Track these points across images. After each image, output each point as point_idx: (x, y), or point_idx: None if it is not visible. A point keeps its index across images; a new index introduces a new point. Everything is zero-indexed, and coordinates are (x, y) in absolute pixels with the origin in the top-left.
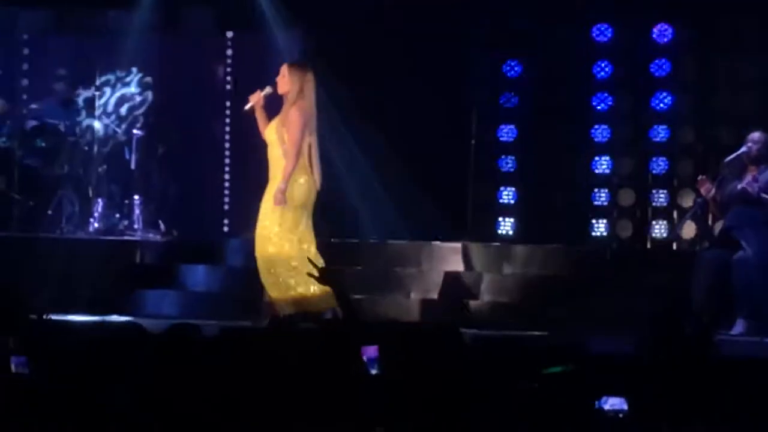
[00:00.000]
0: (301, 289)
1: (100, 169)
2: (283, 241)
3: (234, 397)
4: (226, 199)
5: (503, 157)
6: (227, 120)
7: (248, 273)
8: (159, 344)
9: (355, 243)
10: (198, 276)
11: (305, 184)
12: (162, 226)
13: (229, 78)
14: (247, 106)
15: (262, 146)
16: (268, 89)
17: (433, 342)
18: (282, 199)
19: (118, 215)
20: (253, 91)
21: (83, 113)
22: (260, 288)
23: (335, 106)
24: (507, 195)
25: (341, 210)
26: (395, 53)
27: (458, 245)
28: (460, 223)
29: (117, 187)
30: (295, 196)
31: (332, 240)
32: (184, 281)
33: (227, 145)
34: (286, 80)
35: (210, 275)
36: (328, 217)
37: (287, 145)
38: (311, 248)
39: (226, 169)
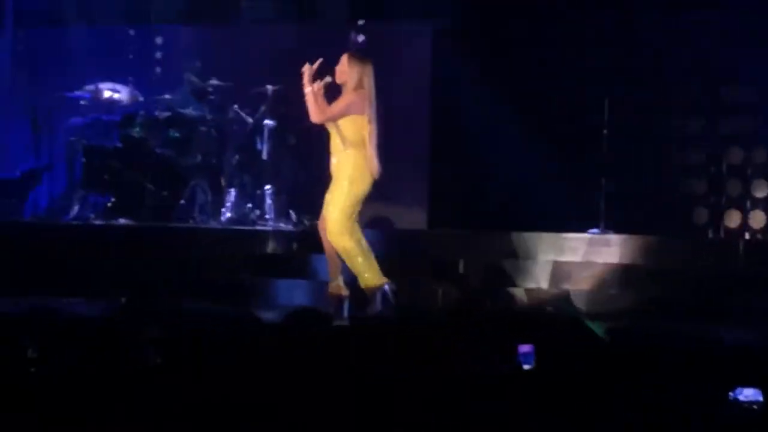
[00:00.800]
0: (359, 280)
1: (232, 159)
2: (349, 231)
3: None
4: None
5: None
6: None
7: (379, 263)
8: (280, 329)
9: (478, 232)
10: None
11: (363, 176)
12: (293, 216)
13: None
14: (307, 94)
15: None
16: (327, 78)
17: (564, 334)
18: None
19: (249, 205)
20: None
21: (215, 103)
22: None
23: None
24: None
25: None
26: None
27: (585, 236)
28: (590, 214)
29: (249, 177)
30: (358, 187)
31: (459, 231)
32: (315, 271)
33: None
34: (345, 70)
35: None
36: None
37: (342, 130)
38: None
39: None
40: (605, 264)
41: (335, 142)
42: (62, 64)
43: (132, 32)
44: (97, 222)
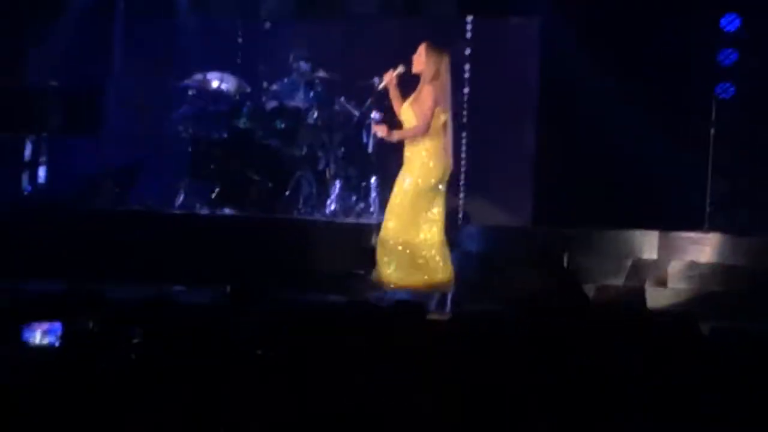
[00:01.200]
0: (426, 276)
1: (337, 151)
2: (416, 225)
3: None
4: (461, 185)
5: None
6: (464, 106)
7: (481, 258)
8: (385, 318)
9: (587, 230)
10: None
11: (434, 169)
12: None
13: (468, 64)
14: (381, 85)
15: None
16: (401, 68)
17: (671, 332)
18: (387, 132)
19: (354, 197)
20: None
21: (322, 95)
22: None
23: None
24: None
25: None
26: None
27: (690, 235)
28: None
29: (354, 170)
30: (427, 179)
31: (563, 228)
32: None
33: (463, 133)
34: (422, 60)
35: None
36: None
37: (418, 120)
38: (440, 232)
39: (462, 154)
40: (709, 263)
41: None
42: (170, 53)
43: (240, 23)
44: (203, 212)
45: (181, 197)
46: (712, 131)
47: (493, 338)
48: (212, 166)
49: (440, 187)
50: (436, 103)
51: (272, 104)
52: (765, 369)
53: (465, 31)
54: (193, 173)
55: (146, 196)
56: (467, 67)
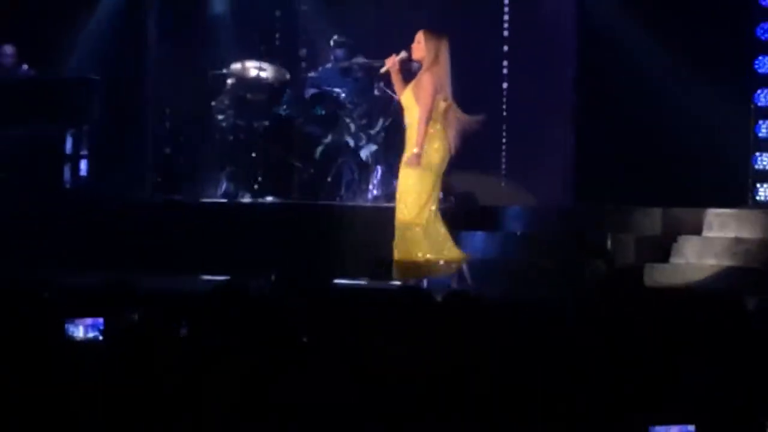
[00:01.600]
0: (430, 255)
1: (378, 137)
2: (420, 206)
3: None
4: (503, 166)
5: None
6: (504, 87)
7: (524, 239)
8: (435, 307)
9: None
10: (476, 243)
11: (439, 150)
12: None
13: (506, 46)
14: (383, 70)
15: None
16: (403, 54)
17: (717, 309)
18: (416, 161)
19: (395, 183)
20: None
21: (361, 81)
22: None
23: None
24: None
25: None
26: None
27: (733, 211)
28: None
29: (394, 156)
30: (432, 161)
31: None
32: (462, 248)
33: (504, 113)
34: (421, 46)
35: (488, 242)
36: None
37: (420, 109)
38: (437, 212)
39: (503, 135)
40: (753, 239)
41: (410, 118)
42: (209, 41)
43: (278, 11)
44: (245, 200)
45: (224, 186)
46: (752, 107)
47: (547, 325)
48: (253, 155)
49: (441, 169)
50: (436, 90)
51: (312, 90)
52: None
53: (503, 12)
54: (234, 162)
55: (188, 187)
56: (504, 46)
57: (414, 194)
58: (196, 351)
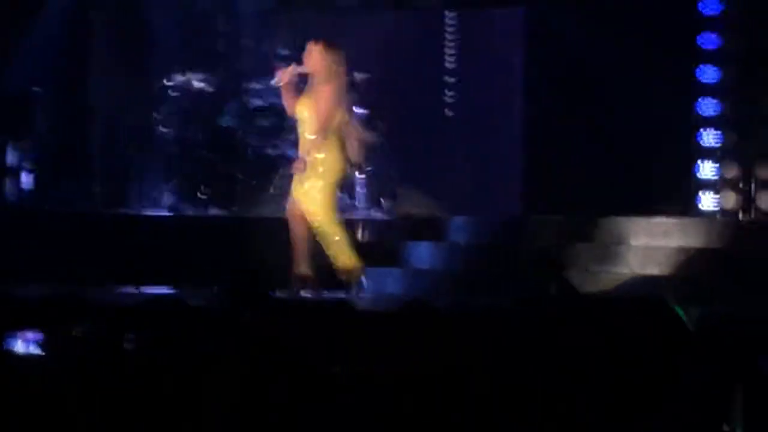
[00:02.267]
0: (339, 263)
1: None
2: (323, 215)
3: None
4: (449, 176)
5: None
6: (450, 95)
7: (471, 250)
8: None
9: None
10: (421, 253)
11: (339, 161)
12: (384, 204)
13: (447, 57)
14: (275, 81)
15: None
16: (297, 67)
17: (643, 316)
18: (302, 167)
19: (341, 193)
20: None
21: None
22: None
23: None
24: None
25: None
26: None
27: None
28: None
29: None
30: (329, 170)
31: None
32: (407, 259)
33: (450, 123)
34: (315, 59)
35: (433, 253)
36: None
37: (317, 120)
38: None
39: (449, 144)
40: (696, 248)
41: (309, 130)
42: (152, 52)
43: (222, 20)
44: (189, 212)
45: (168, 198)
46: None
47: (495, 333)
48: (197, 167)
49: (337, 179)
50: (337, 102)
51: (255, 102)
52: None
53: (447, 25)
54: (178, 174)
55: (131, 199)
56: (453, 58)
57: (317, 205)
58: (141, 365)
